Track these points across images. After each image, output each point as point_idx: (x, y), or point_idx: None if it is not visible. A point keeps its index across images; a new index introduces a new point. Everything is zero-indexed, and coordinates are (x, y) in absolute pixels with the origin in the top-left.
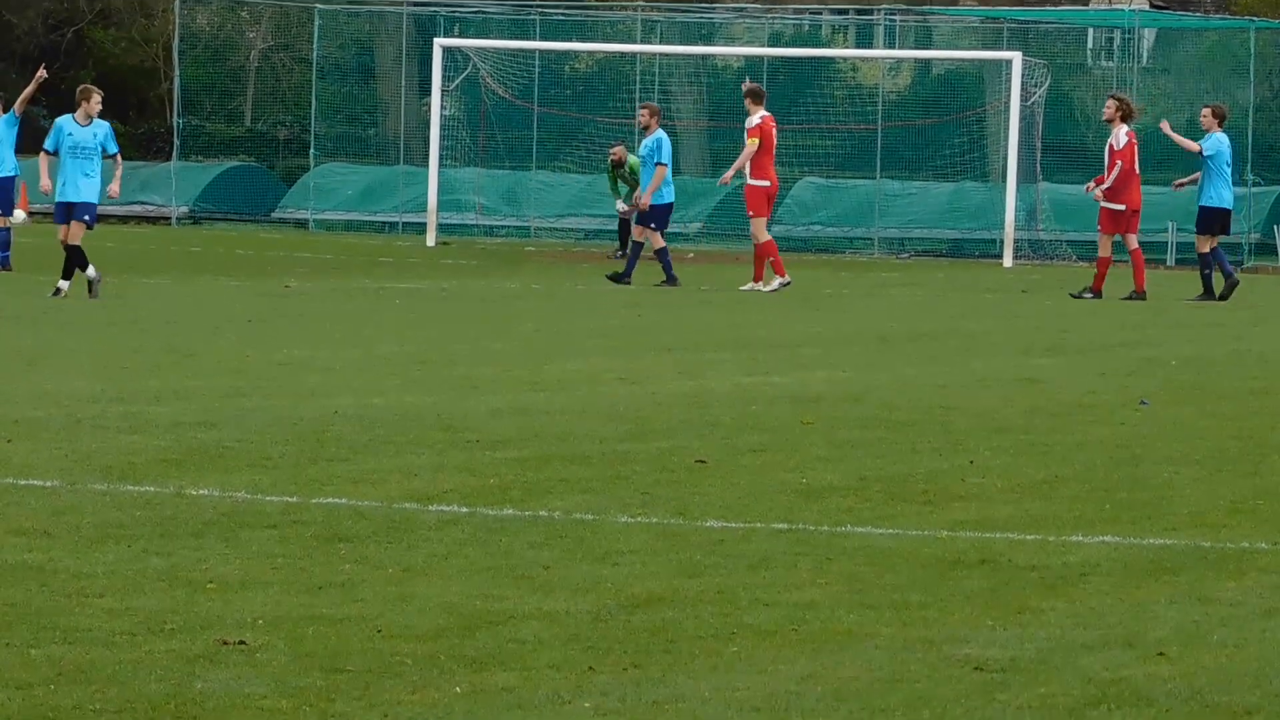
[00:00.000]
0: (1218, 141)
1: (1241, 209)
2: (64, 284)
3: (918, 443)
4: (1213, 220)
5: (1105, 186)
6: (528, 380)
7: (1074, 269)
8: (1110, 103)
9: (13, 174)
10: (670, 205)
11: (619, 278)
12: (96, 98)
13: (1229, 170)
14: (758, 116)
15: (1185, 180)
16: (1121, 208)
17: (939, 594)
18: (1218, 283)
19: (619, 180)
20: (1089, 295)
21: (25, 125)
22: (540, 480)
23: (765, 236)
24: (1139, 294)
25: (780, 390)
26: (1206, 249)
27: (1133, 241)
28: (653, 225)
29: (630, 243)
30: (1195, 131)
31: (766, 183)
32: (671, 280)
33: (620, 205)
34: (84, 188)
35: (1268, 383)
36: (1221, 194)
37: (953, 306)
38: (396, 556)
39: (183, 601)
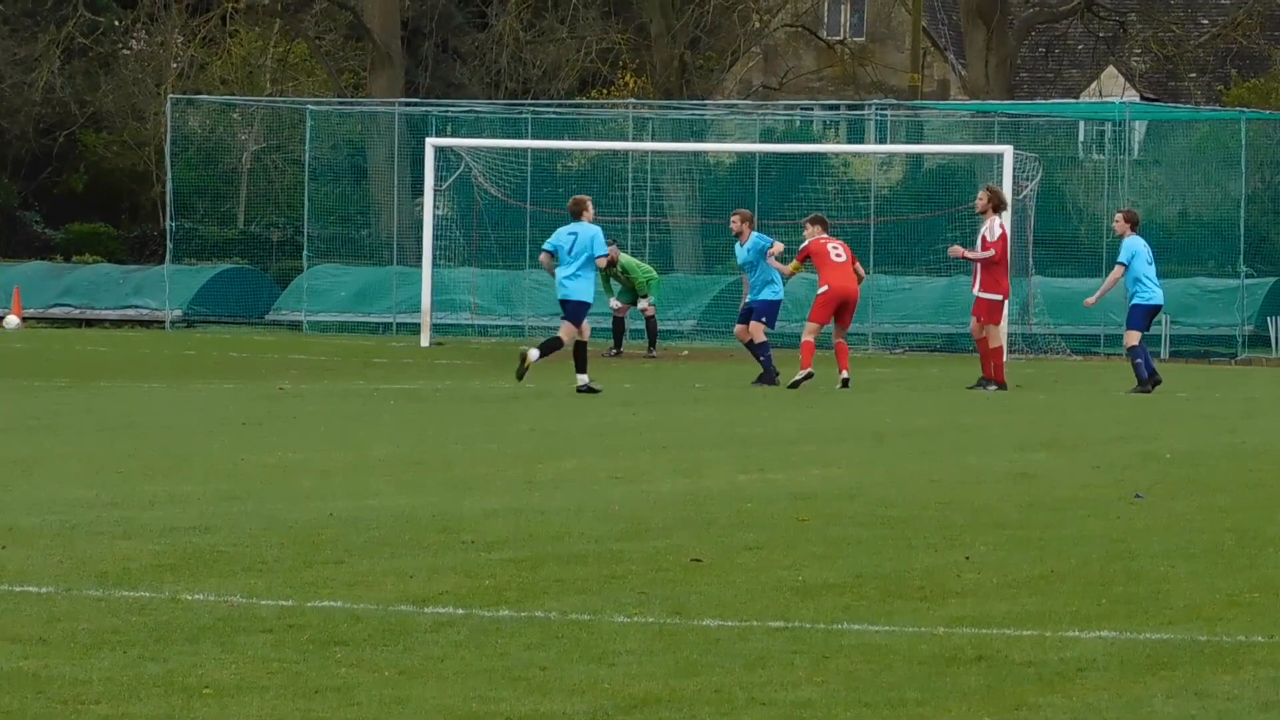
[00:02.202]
0: (1130, 248)
1: (1234, 301)
2: None
3: (913, 539)
4: (1148, 317)
5: (977, 255)
6: (522, 480)
7: (1068, 362)
8: (982, 194)
9: None
10: (778, 302)
11: (764, 379)
12: None
13: (1151, 268)
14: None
15: (1095, 297)
16: (999, 297)
17: (936, 691)
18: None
19: (611, 279)
20: (993, 388)
21: (19, 231)
22: (536, 581)
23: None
24: (985, 380)
25: (775, 488)
26: (1135, 342)
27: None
28: (764, 319)
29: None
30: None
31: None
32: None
33: (614, 303)
34: None
35: (1263, 475)
36: (1151, 293)
37: (947, 402)
38: (393, 659)
39: (179, 708)
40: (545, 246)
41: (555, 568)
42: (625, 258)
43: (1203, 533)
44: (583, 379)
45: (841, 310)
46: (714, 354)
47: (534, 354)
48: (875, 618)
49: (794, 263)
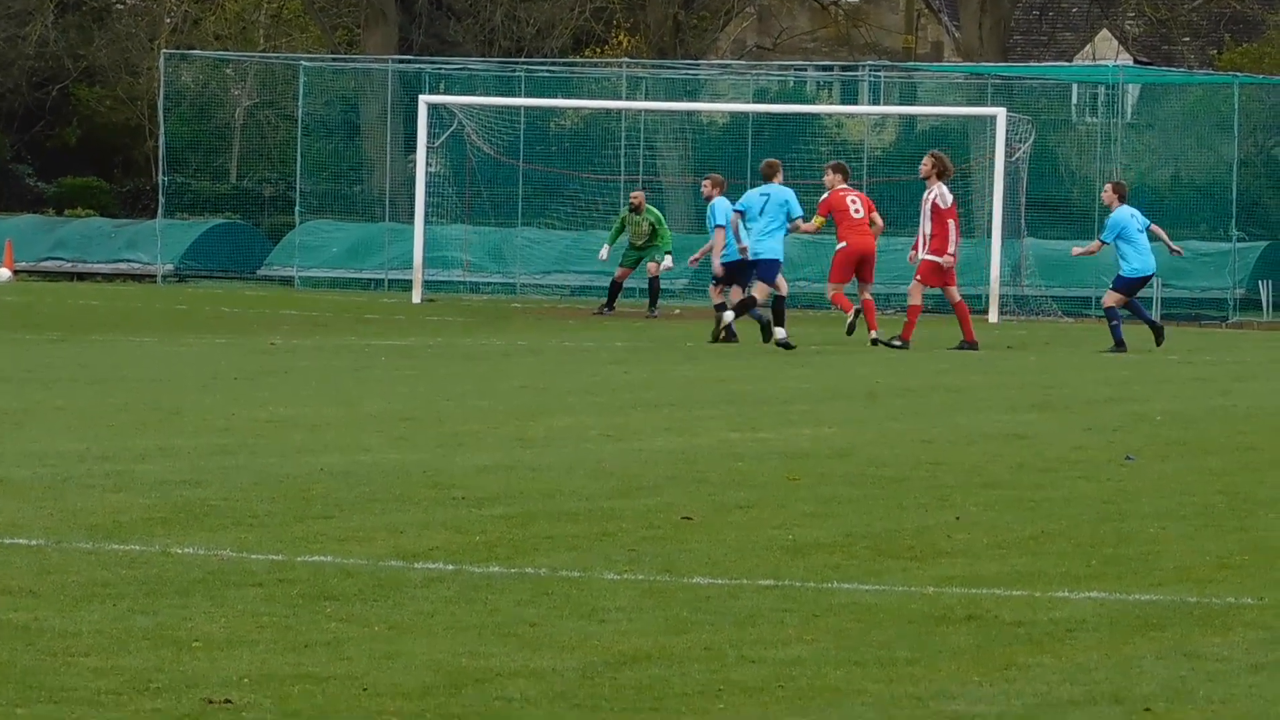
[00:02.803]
0: (1116, 222)
1: (1226, 265)
2: None
3: (904, 499)
4: (1133, 287)
5: (952, 253)
6: (514, 437)
7: (1060, 324)
8: (926, 160)
9: None
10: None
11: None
12: None
13: (1142, 237)
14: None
15: (1082, 250)
16: (944, 259)
17: (926, 650)
18: (1126, 337)
19: (625, 230)
20: (898, 344)
21: (11, 184)
22: (526, 537)
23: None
24: (969, 343)
25: (767, 446)
26: (1112, 303)
27: (954, 294)
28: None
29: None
30: (1178, 186)
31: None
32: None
33: (604, 253)
34: None
35: (1254, 438)
36: (1144, 263)
37: (938, 362)
38: (383, 614)
39: (169, 660)
40: (736, 207)
41: (546, 524)
42: (656, 213)
43: (1193, 495)
44: (780, 333)
45: (862, 266)
46: (707, 313)
47: (729, 315)
48: (865, 577)
49: (816, 218)
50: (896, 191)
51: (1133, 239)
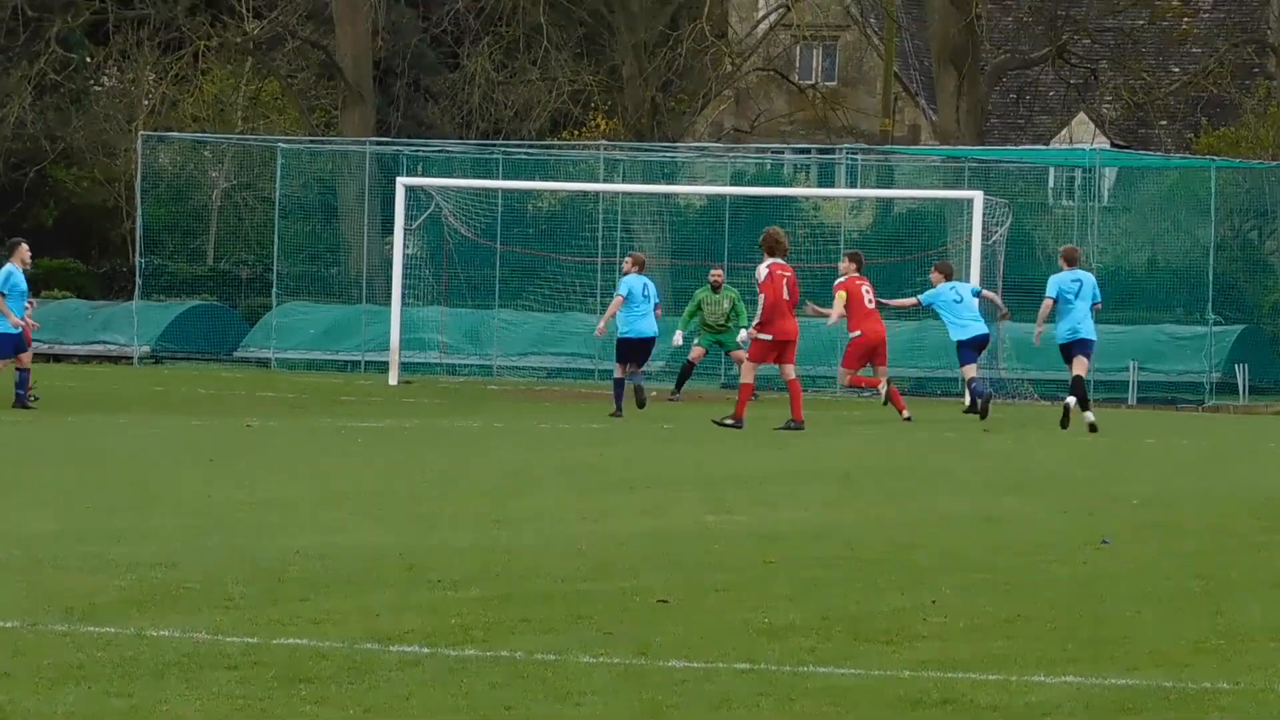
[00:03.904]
0: (935, 293)
1: (1202, 348)
2: None
3: (880, 581)
4: (972, 350)
5: (755, 322)
6: (490, 518)
7: (1036, 407)
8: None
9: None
10: (638, 339)
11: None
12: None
13: (961, 308)
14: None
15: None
16: (769, 338)
17: None
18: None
19: (701, 311)
20: (730, 423)
21: None
22: (502, 620)
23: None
24: (796, 423)
25: (743, 528)
26: (973, 375)
27: (789, 372)
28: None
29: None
30: (1154, 269)
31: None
32: (618, 412)
33: (677, 338)
34: None
35: (1230, 521)
36: (965, 328)
37: (915, 444)
38: (357, 697)
39: None
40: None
41: (522, 607)
42: (734, 291)
43: (1169, 578)
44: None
45: (874, 354)
46: (684, 394)
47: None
48: (841, 660)
49: (837, 309)
50: (874, 274)
51: (954, 309)
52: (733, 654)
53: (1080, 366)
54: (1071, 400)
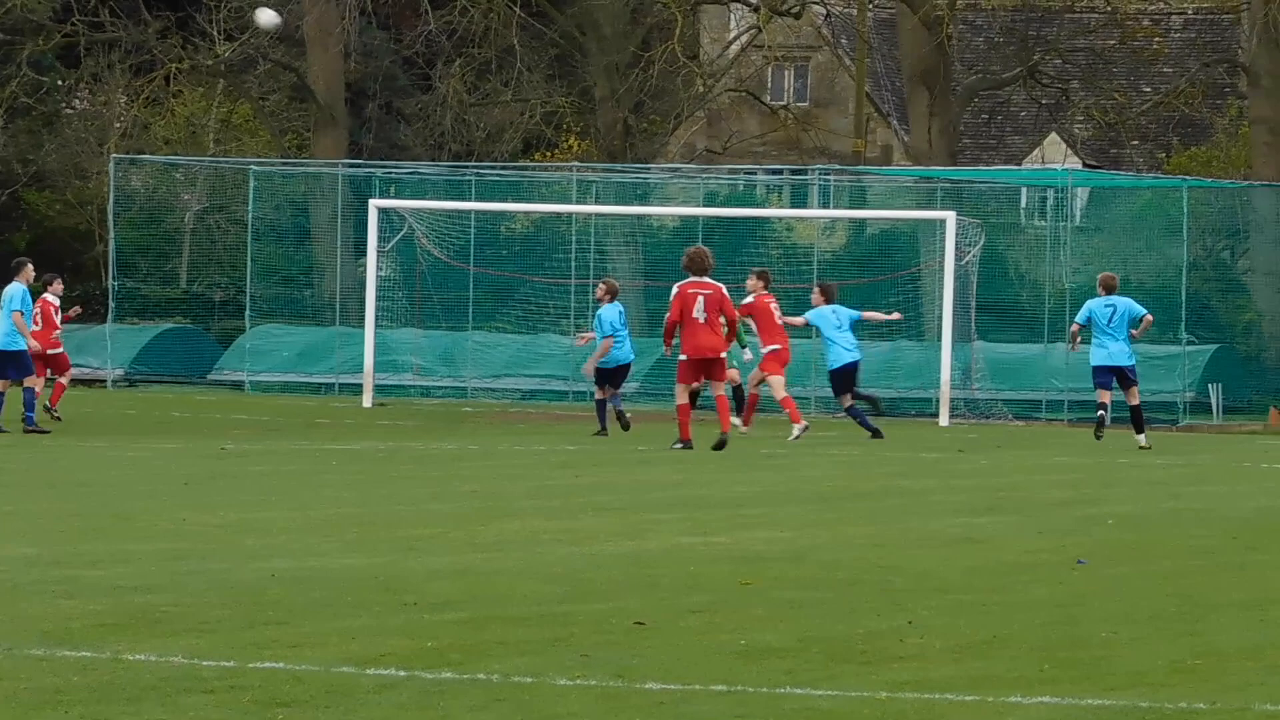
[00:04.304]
0: (818, 314)
1: (1176, 367)
2: None
3: (857, 603)
4: (842, 379)
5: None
6: (466, 541)
7: (1010, 427)
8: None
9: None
10: (615, 367)
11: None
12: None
13: (838, 332)
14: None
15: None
16: (684, 357)
17: None
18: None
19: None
20: (678, 446)
21: None
22: (479, 642)
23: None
24: (723, 436)
25: (720, 550)
26: (848, 404)
27: (717, 389)
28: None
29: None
30: (1127, 289)
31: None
32: (603, 431)
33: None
34: None
35: (1206, 541)
36: (840, 355)
37: (890, 465)
38: None
39: None
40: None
41: (499, 629)
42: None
43: (1146, 599)
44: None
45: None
46: (657, 416)
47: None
48: (819, 682)
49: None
50: (847, 294)
51: (834, 334)
52: (710, 676)
53: (1133, 396)
54: (1105, 415)
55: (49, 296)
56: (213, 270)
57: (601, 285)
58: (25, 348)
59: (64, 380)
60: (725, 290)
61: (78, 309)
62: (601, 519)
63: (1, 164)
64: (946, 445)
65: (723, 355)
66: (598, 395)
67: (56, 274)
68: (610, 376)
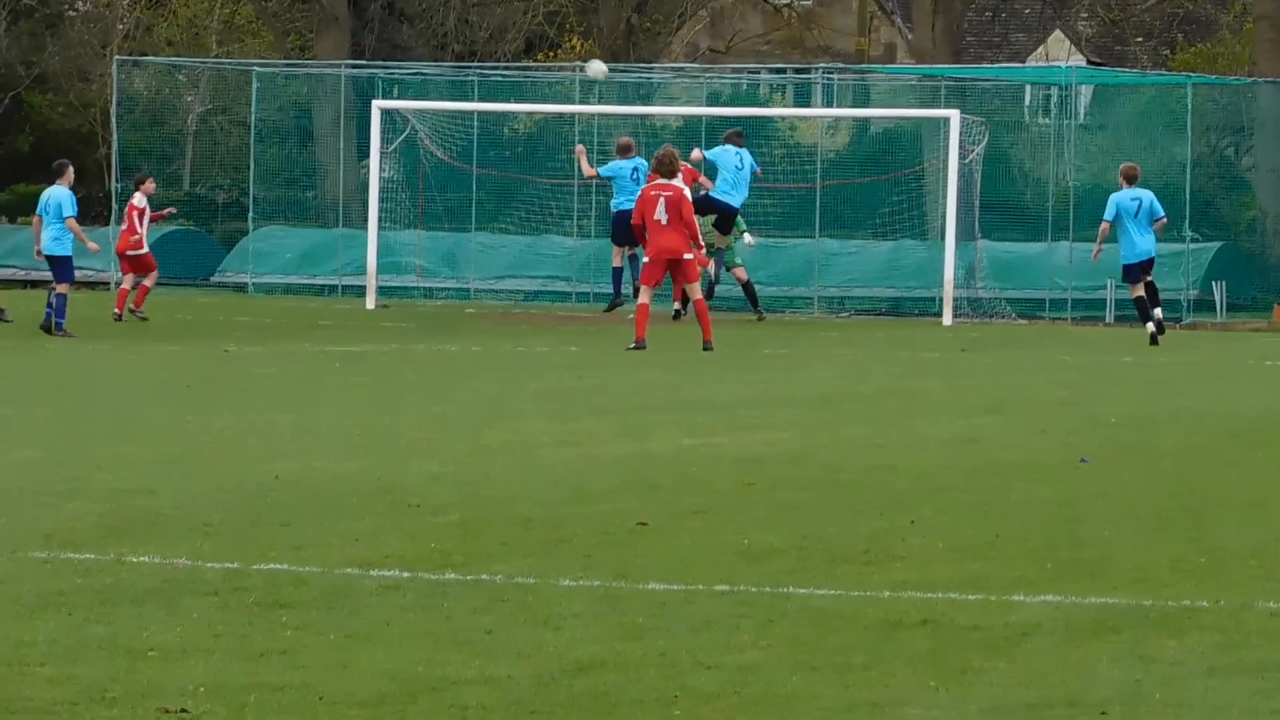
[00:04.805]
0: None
1: (1180, 265)
2: None
3: (859, 503)
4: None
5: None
6: (468, 444)
7: (1013, 326)
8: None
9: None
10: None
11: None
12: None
13: (740, 175)
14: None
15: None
16: (646, 259)
17: (881, 655)
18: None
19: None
20: (633, 346)
21: None
22: (481, 545)
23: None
24: (707, 344)
25: (721, 452)
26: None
27: (694, 291)
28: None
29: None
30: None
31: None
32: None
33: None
34: None
35: (1207, 440)
36: (730, 196)
37: (893, 366)
38: (338, 623)
39: (124, 670)
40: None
41: (500, 532)
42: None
43: (1148, 497)
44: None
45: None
46: (656, 316)
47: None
48: (820, 582)
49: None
50: (850, 193)
51: (731, 172)
52: (712, 576)
53: (1139, 288)
54: (1151, 326)
55: (138, 198)
56: (215, 172)
57: (619, 144)
58: (70, 252)
59: (149, 282)
60: (686, 192)
61: (172, 209)
62: (602, 421)
63: (4, 67)
64: (949, 345)
65: (686, 256)
66: (615, 261)
67: (148, 174)
68: (628, 231)
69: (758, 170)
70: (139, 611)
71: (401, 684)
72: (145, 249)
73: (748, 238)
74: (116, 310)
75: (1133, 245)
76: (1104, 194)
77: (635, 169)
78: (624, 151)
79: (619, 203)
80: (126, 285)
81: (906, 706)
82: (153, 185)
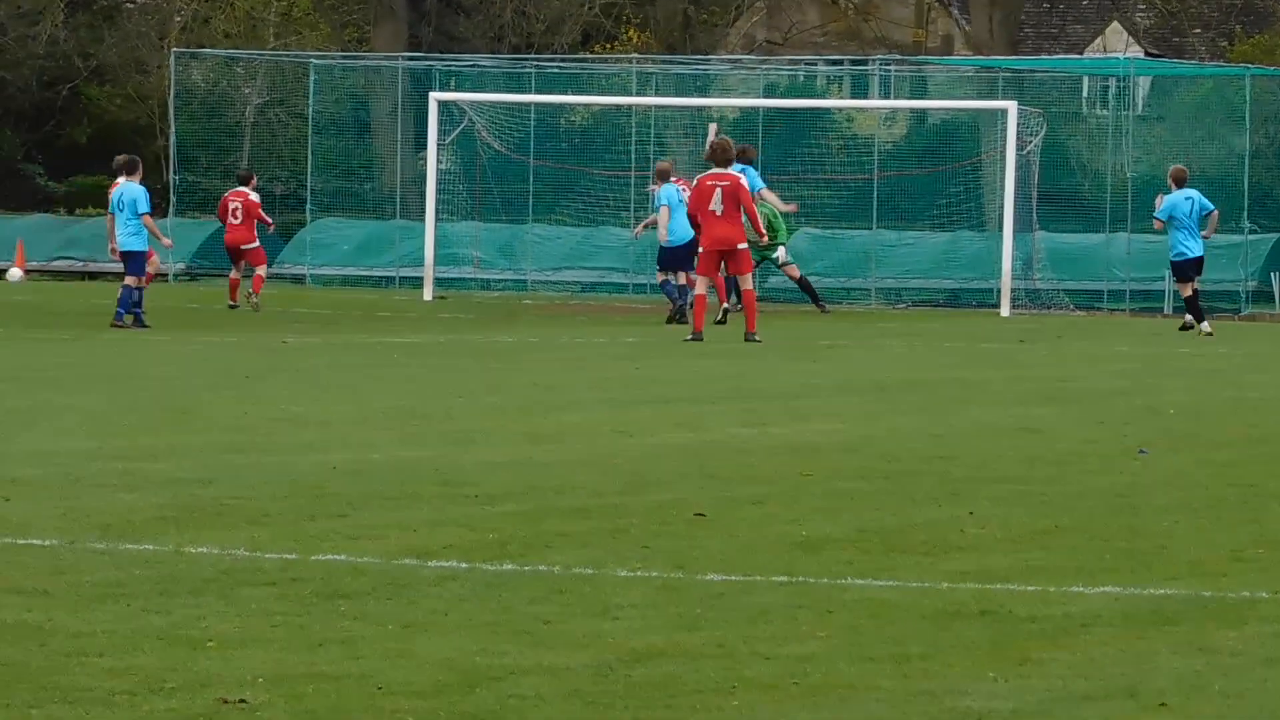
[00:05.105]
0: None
1: (1239, 256)
2: None
3: (916, 493)
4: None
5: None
6: (525, 433)
7: (1071, 317)
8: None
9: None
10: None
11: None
12: None
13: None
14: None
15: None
16: (703, 249)
17: (939, 645)
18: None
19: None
20: (691, 339)
21: (22, 184)
22: (539, 534)
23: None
24: (750, 336)
25: (778, 441)
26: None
27: (745, 282)
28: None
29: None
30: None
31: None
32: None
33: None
34: None
35: (1266, 430)
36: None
37: (950, 356)
38: (396, 613)
39: (182, 660)
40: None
41: (558, 521)
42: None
43: (1206, 488)
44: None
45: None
46: (714, 309)
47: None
48: (878, 572)
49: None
50: (908, 185)
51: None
52: (769, 567)
53: (1189, 288)
54: (1189, 317)
55: (252, 195)
56: (273, 164)
57: (656, 169)
58: (145, 247)
59: (261, 272)
60: (743, 181)
61: (270, 225)
62: (660, 411)
63: (62, 58)
64: (1007, 335)
65: (740, 245)
66: (676, 281)
67: (251, 172)
68: (675, 258)
69: (761, 190)
70: (197, 602)
71: (459, 674)
72: (257, 242)
73: (781, 252)
74: (231, 301)
75: (1185, 245)
76: (1161, 185)
77: (678, 189)
78: (663, 176)
79: (674, 229)
80: (235, 275)
81: (965, 697)
82: (256, 181)
